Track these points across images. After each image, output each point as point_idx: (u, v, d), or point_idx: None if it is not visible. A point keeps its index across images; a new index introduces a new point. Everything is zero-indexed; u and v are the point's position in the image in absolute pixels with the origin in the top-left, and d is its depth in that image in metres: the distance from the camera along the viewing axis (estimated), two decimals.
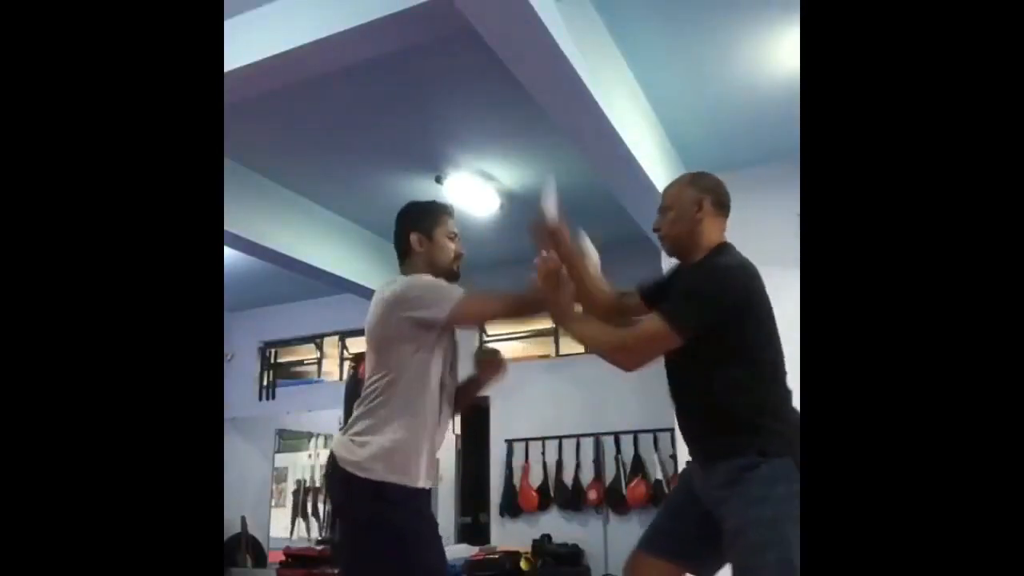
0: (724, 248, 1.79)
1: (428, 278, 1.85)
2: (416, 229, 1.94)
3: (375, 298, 1.87)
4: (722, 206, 1.85)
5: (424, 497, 1.82)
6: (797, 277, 1.05)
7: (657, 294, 1.86)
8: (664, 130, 3.68)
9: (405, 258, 1.96)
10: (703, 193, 1.81)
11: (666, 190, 1.90)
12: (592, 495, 4.80)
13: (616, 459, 4.81)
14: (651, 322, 1.63)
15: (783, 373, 1.69)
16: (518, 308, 1.94)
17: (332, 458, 1.80)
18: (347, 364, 6.02)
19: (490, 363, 2.04)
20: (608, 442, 4.86)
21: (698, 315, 1.62)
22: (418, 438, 1.79)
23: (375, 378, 1.82)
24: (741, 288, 1.68)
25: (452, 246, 1.96)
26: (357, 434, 1.79)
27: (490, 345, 1.87)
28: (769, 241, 3.88)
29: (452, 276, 1.94)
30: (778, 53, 3.07)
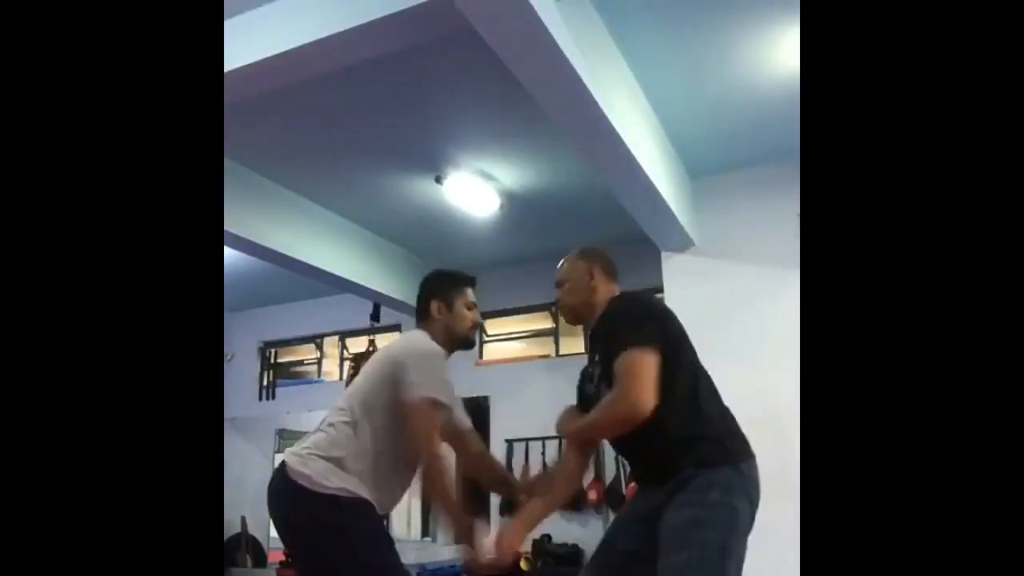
0: (620, 296, 1.97)
1: (428, 357, 1.94)
2: (437, 297, 2.08)
3: (386, 349, 2.06)
4: (609, 273, 2.01)
5: (374, 509, 1.87)
6: (797, 277, 1.05)
7: (587, 396, 1.97)
8: (664, 130, 3.68)
9: (423, 320, 2.10)
10: (592, 263, 1.99)
11: (559, 268, 2.06)
12: (592, 495, 4.80)
13: (616, 459, 4.81)
14: (626, 360, 1.71)
15: (713, 389, 1.81)
16: (429, 476, 1.92)
17: (281, 469, 1.88)
18: (347, 364, 6.02)
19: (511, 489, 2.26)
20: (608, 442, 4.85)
21: (649, 329, 1.75)
22: (375, 478, 1.87)
23: (352, 408, 1.91)
24: (651, 316, 1.83)
25: (470, 315, 2.10)
26: (315, 448, 1.87)
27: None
28: (769, 241, 3.90)
29: (467, 343, 2.11)
30: (778, 53, 3.07)
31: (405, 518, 5.36)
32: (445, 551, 5.04)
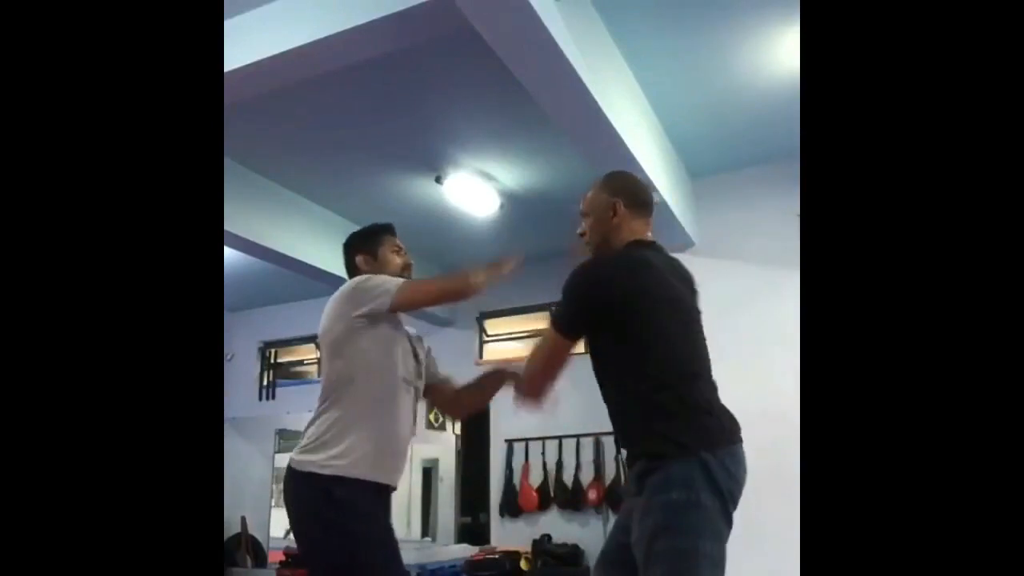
0: (628, 247, 1.77)
1: (364, 276, 1.95)
2: (361, 252, 2.11)
3: (326, 306, 1.99)
4: (638, 205, 1.83)
5: (378, 496, 1.87)
6: (797, 277, 1.05)
7: None
8: (664, 130, 3.68)
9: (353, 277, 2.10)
10: (615, 196, 1.80)
11: (584, 195, 1.90)
12: (592, 495, 4.80)
13: (616, 459, 4.81)
14: (543, 333, 1.71)
15: (688, 369, 1.64)
16: (449, 289, 2.11)
17: (287, 468, 1.89)
18: None
19: (494, 380, 2.14)
20: (608, 442, 4.84)
21: (573, 312, 1.66)
22: (381, 435, 1.87)
23: (332, 381, 1.91)
24: (612, 284, 1.63)
25: (398, 259, 2.12)
26: (313, 439, 1.86)
27: (489, 363, 2.07)
28: (769, 241, 3.90)
29: None
30: (778, 53, 3.07)
31: (405, 518, 5.36)
32: (445, 551, 5.04)
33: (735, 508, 1.59)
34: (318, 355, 6.61)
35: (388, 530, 1.90)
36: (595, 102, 2.63)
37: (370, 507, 1.84)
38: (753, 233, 3.96)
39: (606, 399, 1.73)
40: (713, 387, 1.69)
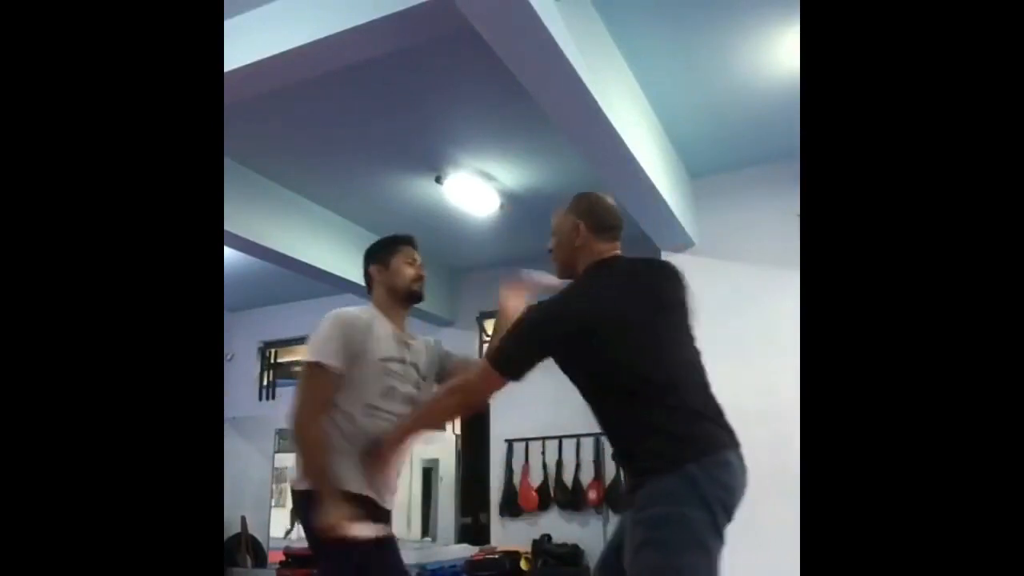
0: (589, 269, 1.77)
1: (327, 321, 1.94)
2: (374, 261, 2.12)
3: None
4: (603, 228, 1.81)
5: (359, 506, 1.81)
6: (797, 277, 1.05)
7: None
8: (664, 130, 3.68)
9: (370, 290, 2.13)
10: (580, 218, 1.80)
11: (557, 211, 1.90)
12: (592, 495, 4.80)
13: (615, 459, 4.81)
14: (480, 364, 1.73)
15: (665, 381, 1.62)
16: (306, 441, 1.88)
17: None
18: None
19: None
20: (608, 442, 4.86)
21: (523, 352, 1.66)
22: (345, 450, 1.87)
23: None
24: (575, 314, 1.64)
25: (410, 271, 2.10)
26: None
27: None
28: (769, 241, 3.90)
29: (413, 297, 2.10)
30: (778, 53, 3.07)
31: (405, 518, 5.36)
32: (445, 551, 5.04)
33: (729, 519, 1.56)
34: None
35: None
36: (595, 102, 2.62)
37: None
38: (753, 233, 3.96)
39: (602, 429, 1.74)
40: (700, 393, 1.66)
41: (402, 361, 2.01)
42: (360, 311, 2.01)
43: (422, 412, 1.94)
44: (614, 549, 1.68)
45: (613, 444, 1.72)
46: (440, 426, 1.89)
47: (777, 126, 3.52)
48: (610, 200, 1.86)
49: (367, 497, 1.87)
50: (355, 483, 1.86)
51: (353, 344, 1.90)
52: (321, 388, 1.88)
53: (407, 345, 2.05)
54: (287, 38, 2.61)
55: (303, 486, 1.84)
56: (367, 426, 1.90)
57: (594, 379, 1.67)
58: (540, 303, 1.72)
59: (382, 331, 1.98)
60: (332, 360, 1.87)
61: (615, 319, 1.64)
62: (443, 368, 2.18)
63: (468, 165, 4.09)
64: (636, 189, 3.35)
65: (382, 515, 1.92)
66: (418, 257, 2.14)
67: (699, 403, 1.64)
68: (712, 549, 1.51)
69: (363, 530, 1.74)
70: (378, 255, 2.13)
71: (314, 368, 1.87)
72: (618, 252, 1.82)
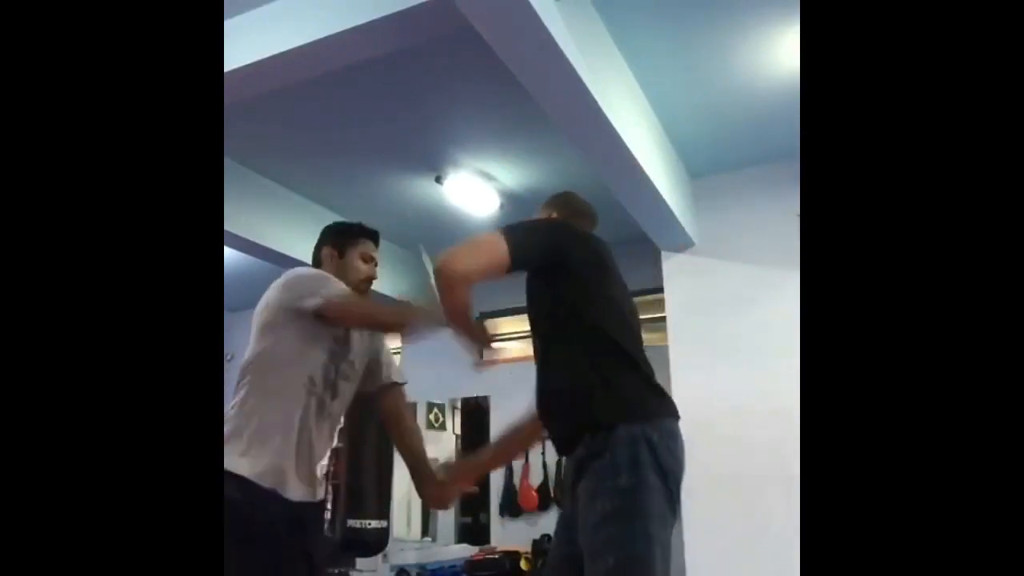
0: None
1: (315, 271, 1.84)
2: (329, 244, 1.99)
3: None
4: (574, 217, 1.83)
5: (270, 505, 1.66)
6: (797, 277, 1.05)
7: None
8: (664, 130, 3.68)
9: (316, 268, 1.98)
10: (555, 211, 1.84)
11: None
12: None
13: None
14: (490, 234, 1.57)
15: (632, 346, 1.60)
16: (381, 322, 1.88)
17: None
18: None
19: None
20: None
21: (529, 237, 1.60)
22: (276, 431, 1.70)
23: (246, 363, 1.80)
24: (563, 238, 1.64)
25: (363, 268, 1.98)
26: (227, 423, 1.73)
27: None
28: (769, 241, 3.90)
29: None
30: (778, 53, 3.07)
31: (405, 518, 5.36)
32: (445, 551, 5.04)
33: (678, 494, 1.51)
34: None
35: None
36: (595, 102, 2.63)
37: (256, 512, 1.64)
38: (753, 233, 3.97)
39: (541, 377, 1.64)
40: (648, 365, 1.63)
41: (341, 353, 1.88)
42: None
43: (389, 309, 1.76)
44: (571, 524, 1.57)
45: (554, 390, 1.61)
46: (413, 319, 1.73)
47: (777, 126, 3.52)
48: (583, 197, 1.91)
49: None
50: (272, 477, 1.68)
51: None
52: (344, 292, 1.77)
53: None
54: (287, 38, 2.61)
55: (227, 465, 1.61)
56: (300, 400, 1.75)
57: (560, 317, 1.62)
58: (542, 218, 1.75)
59: None
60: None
61: (589, 261, 1.65)
62: (372, 371, 2.02)
63: (468, 165, 4.09)
64: (636, 189, 3.35)
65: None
66: (376, 256, 2.04)
67: (652, 371, 1.62)
68: (668, 522, 1.46)
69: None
70: (335, 240, 2.01)
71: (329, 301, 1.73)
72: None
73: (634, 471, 1.43)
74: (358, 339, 1.94)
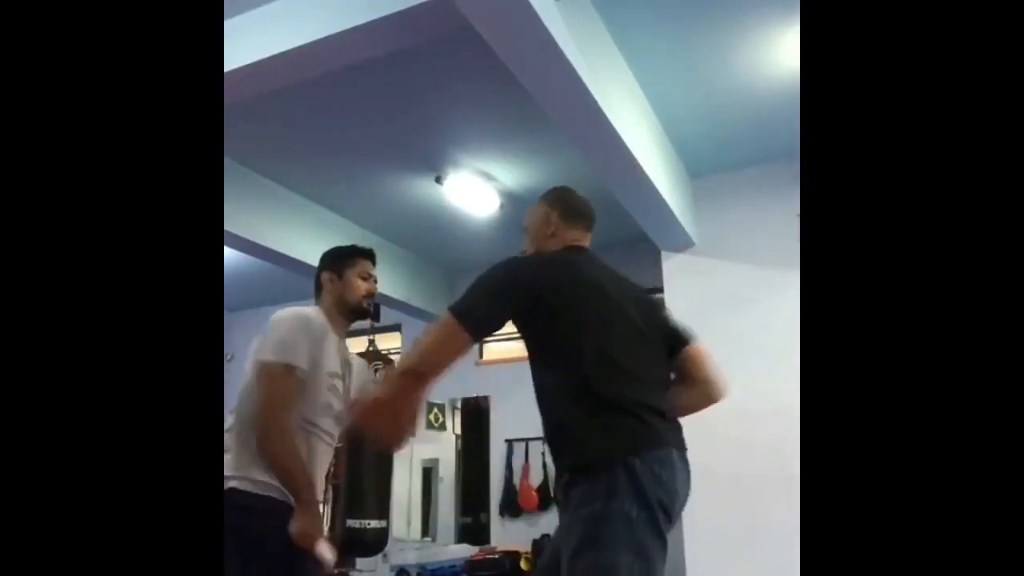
0: (560, 250, 1.73)
1: (291, 320, 1.84)
2: (328, 268, 2.05)
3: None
4: (573, 215, 1.78)
5: (275, 506, 1.69)
6: (797, 277, 1.05)
7: None
8: (664, 130, 3.68)
9: (317, 294, 2.05)
10: (551, 207, 1.79)
11: (528, 210, 1.87)
12: None
13: None
14: (440, 322, 1.52)
15: (616, 365, 1.54)
16: (288, 484, 1.71)
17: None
18: None
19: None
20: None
21: (485, 305, 1.54)
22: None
23: (240, 401, 1.85)
24: (536, 277, 1.59)
25: (363, 286, 2.03)
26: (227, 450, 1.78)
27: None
28: (769, 241, 3.90)
29: (360, 312, 2.02)
30: (778, 53, 3.07)
31: (405, 518, 5.36)
32: (445, 551, 5.04)
33: (671, 522, 1.47)
34: None
35: None
36: (595, 102, 2.63)
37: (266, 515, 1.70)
38: (753, 233, 3.97)
39: (542, 413, 1.62)
40: (652, 391, 1.58)
41: (342, 378, 1.92)
42: (315, 314, 1.92)
43: (374, 397, 1.60)
44: (557, 550, 1.55)
45: (548, 432, 1.60)
46: (390, 422, 1.54)
47: (777, 126, 3.52)
48: (581, 194, 1.85)
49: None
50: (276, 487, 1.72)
51: (313, 351, 1.81)
52: (288, 392, 1.74)
53: (348, 362, 1.97)
54: (287, 38, 2.61)
55: (245, 486, 1.69)
56: (300, 443, 1.77)
57: (540, 355, 1.60)
58: (510, 259, 1.63)
59: (331, 343, 1.89)
60: (302, 363, 1.76)
61: (573, 292, 1.58)
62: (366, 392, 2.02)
63: (468, 165, 4.09)
64: (636, 189, 3.35)
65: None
66: (374, 272, 2.08)
67: (647, 398, 1.55)
68: (652, 552, 1.41)
69: (327, 553, 1.64)
70: (333, 263, 2.06)
71: (279, 370, 1.74)
72: (587, 244, 1.79)
73: (608, 500, 1.40)
74: (359, 368, 2.02)
